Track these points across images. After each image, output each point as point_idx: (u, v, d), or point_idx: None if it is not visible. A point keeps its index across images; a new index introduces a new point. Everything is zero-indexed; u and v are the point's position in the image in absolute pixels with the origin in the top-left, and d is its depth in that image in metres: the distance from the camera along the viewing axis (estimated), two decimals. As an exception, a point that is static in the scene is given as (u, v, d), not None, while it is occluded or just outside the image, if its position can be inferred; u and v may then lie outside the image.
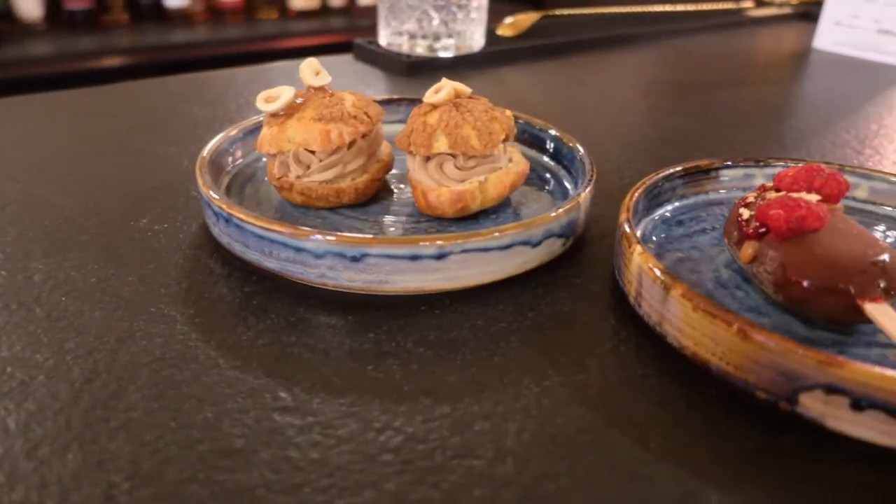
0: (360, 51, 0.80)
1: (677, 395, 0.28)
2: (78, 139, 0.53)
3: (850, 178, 0.43)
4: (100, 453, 0.24)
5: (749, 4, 1.19)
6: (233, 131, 0.45)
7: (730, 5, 1.16)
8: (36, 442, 0.25)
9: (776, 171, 0.43)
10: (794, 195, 0.33)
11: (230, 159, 0.44)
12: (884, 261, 0.30)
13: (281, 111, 0.39)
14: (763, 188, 0.36)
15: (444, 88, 0.39)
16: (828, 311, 0.30)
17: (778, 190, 0.35)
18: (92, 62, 1.78)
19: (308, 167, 0.39)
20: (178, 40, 1.93)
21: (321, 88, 0.40)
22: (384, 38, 0.78)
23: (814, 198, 0.33)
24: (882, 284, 0.29)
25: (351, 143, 0.39)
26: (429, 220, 0.40)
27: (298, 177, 0.39)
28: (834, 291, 0.29)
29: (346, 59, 0.80)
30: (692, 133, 0.62)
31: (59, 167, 0.47)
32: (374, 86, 0.71)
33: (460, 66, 0.77)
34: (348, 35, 2.15)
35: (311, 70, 0.40)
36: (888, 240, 0.40)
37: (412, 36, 0.75)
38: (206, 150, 0.41)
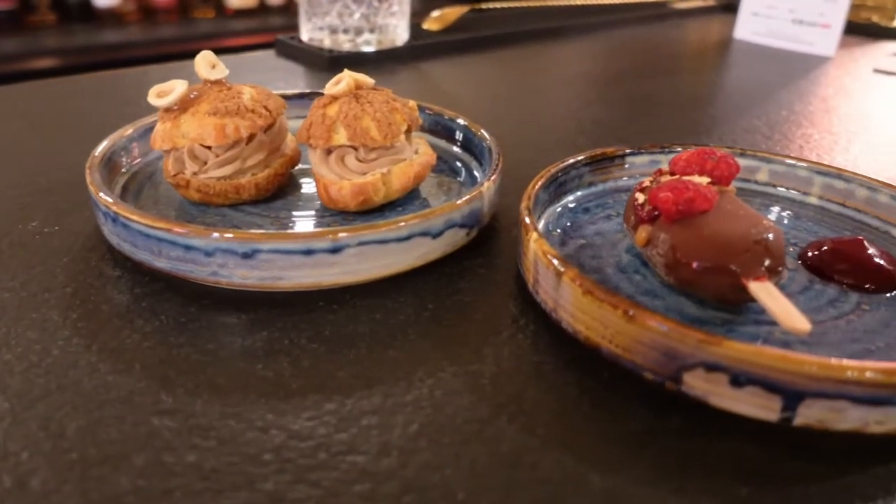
0: (281, 46, 0.79)
1: (570, 380, 0.28)
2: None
3: (750, 162, 0.44)
4: (-42, 468, 0.23)
5: (674, -3, 1.21)
6: (128, 130, 0.43)
7: (655, -2, 1.19)
8: None
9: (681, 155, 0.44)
10: (686, 178, 0.33)
11: (127, 159, 0.42)
12: (767, 239, 0.30)
13: (175, 106, 0.38)
14: (659, 172, 0.36)
15: (344, 79, 0.38)
16: (715, 290, 0.30)
17: (672, 174, 0.35)
18: (18, 65, 1.71)
19: (205, 163, 0.38)
20: (109, 41, 1.87)
21: (218, 82, 0.39)
22: (306, 34, 0.77)
23: (704, 180, 0.33)
24: (767, 263, 0.30)
25: (250, 138, 0.38)
26: (333, 214, 0.39)
27: (195, 173, 0.38)
28: (720, 271, 0.30)
29: (268, 55, 0.79)
30: (610, 122, 0.62)
31: (-54, 171, 0.45)
32: (295, 81, 0.70)
33: (384, 61, 0.76)
34: (286, 33, 2.13)
35: (207, 63, 0.39)
36: (784, 219, 0.41)
37: (334, 31, 0.74)
38: (99, 150, 0.39)
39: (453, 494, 0.23)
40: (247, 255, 0.31)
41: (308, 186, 0.42)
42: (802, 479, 0.24)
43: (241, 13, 2.16)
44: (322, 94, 0.51)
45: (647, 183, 0.35)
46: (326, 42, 0.75)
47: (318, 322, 0.31)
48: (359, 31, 0.74)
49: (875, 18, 1.08)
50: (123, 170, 0.42)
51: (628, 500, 0.23)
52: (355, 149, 0.37)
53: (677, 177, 0.34)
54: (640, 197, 0.34)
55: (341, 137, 0.37)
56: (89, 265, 0.35)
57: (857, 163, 0.54)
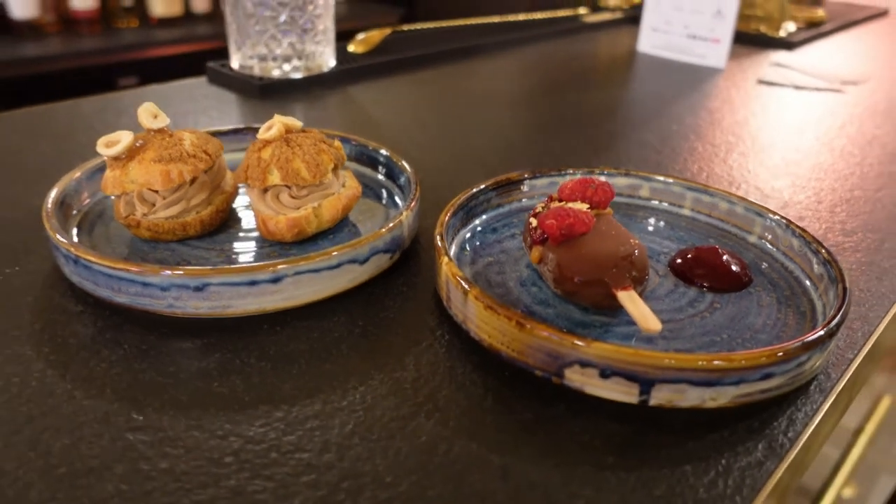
0: (213, 74, 0.82)
1: (476, 381, 0.35)
2: (-82, 185, 0.53)
3: (634, 181, 0.51)
4: (-38, 487, 0.27)
5: (584, 11, 1.29)
6: (76, 173, 0.47)
7: (568, 12, 1.27)
8: None
9: (574, 178, 0.50)
10: (569, 205, 0.40)
11: (78, 199, 0.46)
12: (633, 255, 0.37)
13: (122, 154, 0.42)
14: (549, 199, 0.43)
15: (275, 126, 0.43)
16: (593, 299, 0.37)
17: (560, 200, 0.42)
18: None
19: (153, 205, 0.42)
20: (28, 54, 1.82)
21: (160, 130, 0.43)
22: (236, 61, 0.80)
23: (584, 206, 0.40)
24: (633, 274, 0.37)
25: (193, 180, 0.43)
26: (271, 245, 0.44)
27: (144, 214, 0.42)
28: (595, 283, 0.36)
29: (199, 83, 0.82)
30: (519, 143, 0.69)
31: None
32: (228, 110, 0.74)
33: (312, 86, 0.81)
34: (213, 43, 2.13)
35: (149, 114, 0.43)
36: (661, 229, 0.48)
37: (263, 59, 0.79)
38: (52, 195, 0.43)
39: (382, 479, 0.29)
40: (198, 289, 0.36)
41: (246, 219, 0.47)
42: (656, 447, 0.31)
43: (166, 22, 2.14)
44: (254, 129, 0.56)
45: (539, 209, 0.42)
46: (256, 70, 0.79)
47: (263, 343, 0.37)
48: (287, 59, 0.79)
49: (763, 29, 1.18)
50: (74, 211, 0.46)
51: (520, 473, 0.29)
52: (288, 187, 0.43)
53: (563, 203, 0.41)
54: (533, 221, 0.41)
55: (275, 178, 0.42)
56: (52, 302, 0.39)
57: (732, 172, 0.63)
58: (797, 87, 0.92)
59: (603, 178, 0.47)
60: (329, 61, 0.83)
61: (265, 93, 0.77)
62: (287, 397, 0.33)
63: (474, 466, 0.30)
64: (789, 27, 1.21)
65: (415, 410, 0.32)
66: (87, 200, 0.47)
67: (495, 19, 1.12)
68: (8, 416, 0.31)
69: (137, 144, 0.42)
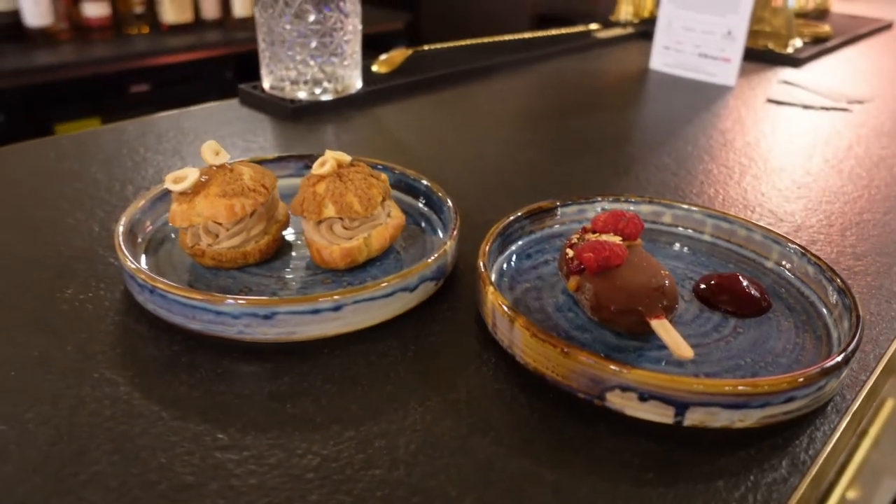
0: (245, 96, 0.86)
1: (523, 402, 0.38)
2: (-16, 211, 0.57)
3: (657, 208, 0.54)
4: (77, 502, 0.31)
5: (596, 27, 1.33)
6: (140, 202, 0.50)
7: (580, 29, 1.30)
8: (21, 499, 0.31)
9: (602, 205, 0.54)
10: (604, 237, 0.43)
11: (142, 227, 0.50)
12: (664, 286, 0.40)
13: (188, 189, 0.45)
14: (584, 230, 0.46)
15: (328, 162, 0.47)
16: (628, 326, 0.40)
17: (594, 231, 0.45)
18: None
19: (217, 236, 0.46)
20: (42, 62, 1.85)
21: (221, 166, 0.47)
22: (267, 83, 0.84)
23: (616, 238, 0.43)
24: (664, 303, 0.40)
25: (252, 212, 0.46)
26: (324, 272, 0.47)
27: (209, 245, 0.46)
28: (630, 312, 0.40)
29: (232, 105, 0.86)
30: (541, 164, 0.72)
31: (-27, 243, 0.51)
32: (262, 132, 0.77)
33: (340, 108, 0.84)
34: (224, 49, 2.16)
35: (212, 151, 0.47)
36: (684, 254, 0.52)
37: (294, 81, 0.82)
38: (121, 225, 0.47)
39: (448, 494, 0.32)
40: (267, 317, 0.40)
41: (297, 246, 0.51)
42: (690, 464, 0.35)
43: (177, 29, 2.17)
44: (296, 156, 0.59)
45: (574, 240, 0.45)
46: (287, 91, 0.83)
47: (326, 366, 0.40)
48: (317, 82, 0.82)
49: (770, 45, 1.22)
50: (139, 239, 0.49)
51: (570, 489, 0.33)
52: (341, 219, 0.46)
53: (597, 235, 0.44)
54: (570, 252, 0.44)
55: (330, 211, 0.45)
56: (127, 328, 0.43)
57: (746, 195, 0.66)
58: (805, 107, 0.95)
59: (630, 207, 0.51)
60: (356, 83, 0.87)
61: (297, 115, 0.81)
62: (354, 418, 0.36)
63: (528, 482, 0.33)
64: (796, 43, 1.24)
65: (470, 430, 0.36)
66: (150, 228, 0.51)
67: (512, 37, 1.16)
68: (107, 437, 0.34)
69: (202, 179, 0.46)
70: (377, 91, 0.89)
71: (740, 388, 0.35)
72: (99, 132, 0.75)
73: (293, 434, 0.35)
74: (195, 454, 0.34)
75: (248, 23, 2.25)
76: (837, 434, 0.37)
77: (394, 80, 0.93)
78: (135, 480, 0.32)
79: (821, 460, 0.35)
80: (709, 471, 0.34)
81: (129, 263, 0.43)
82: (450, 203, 0.51)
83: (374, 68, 0.97)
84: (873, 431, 0.97)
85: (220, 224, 0.45)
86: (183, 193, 0.45)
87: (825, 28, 1.36)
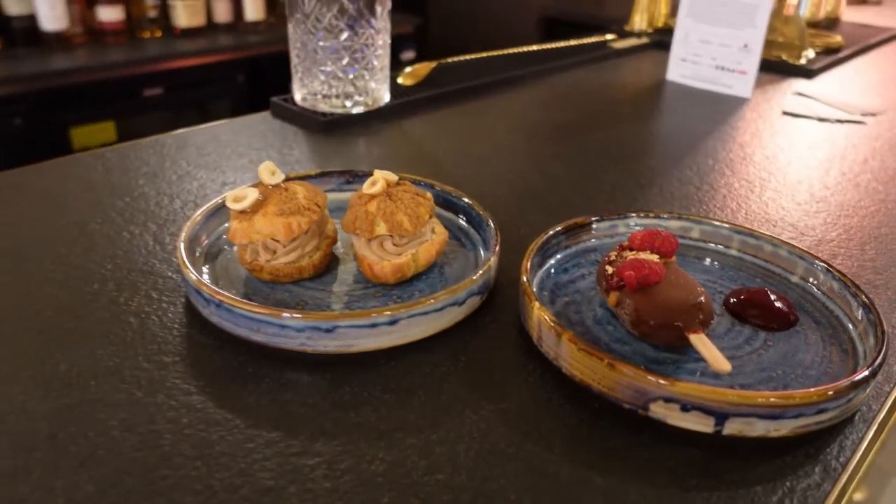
0: (276, 108, 0.88)
1: (570, 411, 0.41)
2: (36, 224, 0.59)
3: (686, 224, 0.57)
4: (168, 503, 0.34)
5: (612, 37, 1.35)
6: (197, 218, 0.53)
7: (597, 39, 1.33)
8: (116, 500, 0.34)
9: (632, 220, 0.57)
10: (642, 255, 0.46)
11: (199, 242, 0.52)
12: (701, 302, 0.43)
13: (247, 208, 0.48)
14: (621, 247, 0.49)
15: (379, 182, 0.49)
16: (667, 340, 0.43)
17: (631, 249, 0.48)
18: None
19: (274, 252, 0.48)
20: (57, 67, 1.87)
21: (277, 186, 0.50)
22: (299, 96, 0.87)
23: (654, 257, 0.46)
24: (700, 318, 0.43)
25: (307, 230, 0.49)
26: (373, 286, 0.50)
27: (267, 260, 0.48)
28: (669, 327, 0.42)
29: (264, 118, 0.88)
30: (567, 176, 0.75)
31: (35, 257, 0.54)
32: (297, 145, 0.80)
33: (370, 120, 0.87)
34: (236, 53, 2.19)
35: (269, 171, 0.49)
36: (713, 269, 0.54)
37: (326, 96, 0.85)
38: (183, 241, 0.49)
39: (508, 497, 0.35)
40: (328, 330, 0.42)
41: (345, 261, 0.53)
42: (730, 471, 0.37)
43: (189, 32, 2.19)
44: (337, 172, 0.62)
45: (613, 257, 0.48)
46: (318, 104, 0.85)
47: (384, 377, 0.43)
48: (349, 96, 0.85)
49: (784, 56, 1.24)
50: (197, 254, 0.52)
51: (620, 493, 0.35)
52: (391, 236, 0.49)
53: (635, 253, 0.47)
54: (610, 269, 0.46)
55: (381, 229, 0.48)
56: (193, 339, 0.45)
57: (768, 210, 0.69)
58: (820, 119, 0.98)
59: (661, 223, 0.53)
60: (385, 96, 0.89)
61: (329, 128, 0.83)
62: (414, 426, 0.39)
63: (581, 487, 0.36)
64: (809, 54, 1.26)
65: (523, 437, 0.39)
66: (205, 241, 0.53)
67: (531, 48, 1.18)
68: (188, 443, 0.37)
69: (259, 199, 0.48)
70: (404, 104, 0.92)
71: (772, 399, 0.37)
72: (140, 145, 0.78)
73: (359, 441, 0.38)
74: (271, 460, 0.36)
75: (260, 26, 2.28)
76: (865, 442, 0.40)
77: (419, 92, 0.96)
78: (219, 484, 0.35)
79: (851, 466, 0.38)
80: (748, 477, 0.37)
81: (194, 278, 0.45)
82: (491, 223, 0.54)
83: (400, 80, 0.99)
84: (882, 435, 1.00)
85: (278, 241, 0.48)
86: (242, 212, 0.48)
87: (836, 38, 1.38)
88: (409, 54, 2.60)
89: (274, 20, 2.38)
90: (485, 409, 0.40)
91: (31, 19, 1.93)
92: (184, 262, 0.47)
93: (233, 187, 0.67)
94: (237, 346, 0.45)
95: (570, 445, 0.38)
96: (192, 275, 0.46)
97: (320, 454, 0.37)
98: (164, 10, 2.17)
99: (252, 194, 0.48)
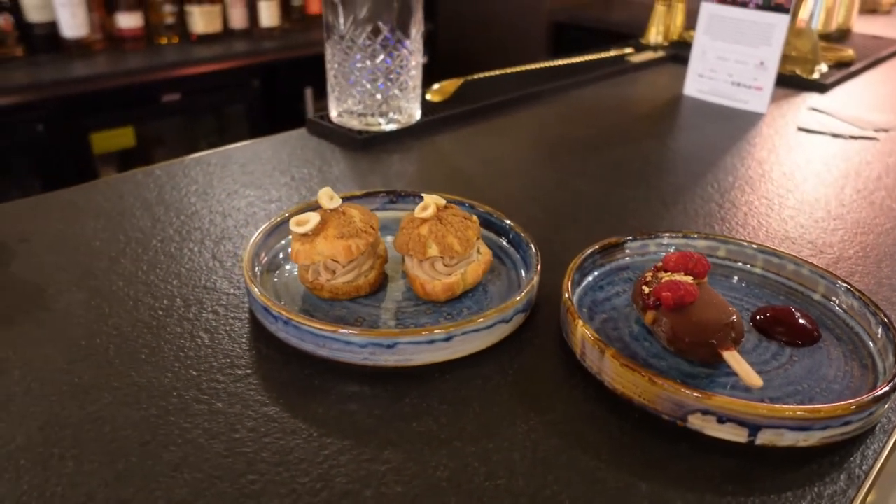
0: (312, 125, 0.92)
1: (613, 423, 0.44)
2: (100, 241, 0.63)
3: (712, 243, 0.60)
4: (259, 505, 0.37)
5: (630, 51, 1.39)
6: (258, 237, 0.57)
7: (615, 53, 1.36)
8: (211, 501, 0.37)
9: (663, 240, 0.60)
10: (677, 276, 0.50)
11: (258, 259, 0.56)
12: (733, 321, 0.47)
13: (309, 231, 0.52)
14: (656, 268, 0.52)
15: (430, 207, 0.53)
16: (701, 356, 0.47)
17: (665, 270, 0.51)
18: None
19: (334, 272, 0.52)
20: (78, 74, 1.91)
21: (335, 210, 0.53)
22: (334, 113, 0.90)
23: (688, 278, 0.50)
24: (733, 336, 0.46)
25: (364, 251, 0.53)
26: (424, 303, 0.54)
27: (328, 280, 0.52)
28: (704, 344, 0.46)
29: (300, 134, 0.92)
30: (594, 193, 0.78)
31: (104, 273, 0.58)
32: (335, 162, 0.84)
33: (403, 137, 0.91)
34: (251, 59, 2.24)
35: (328, 196, 0.53)
36: (739, 286, 0.58)
37: (361, 114, 0.89)
38: (247, 260, 0.53)
39: (563, 502, 0.38)
40: (389, 346, 0.46)
41: (395, 279, 0.57)
42: (762, 478, 0.41)
43: (206, 38, 2.24)
44: (381, 192, 0.65)
45: (649, 277, 0.51)
46: (353, 122, 0.89)
47: (440, 389, 0.46)
48: (383, 114, 0.89)
49: (798, 71, 1.27)
50: (257, 270, 0.56)
51: (663, 499, 0.39)
52: (442, 257, 0.53)
53: (670, 274, 0.50)
54: (646, 289, 0.50)
55: (433, 251, 0.52)
56: (260, 353, 0.49)
57: (787, 227, 0.72)
58: (834, 135, 1.01)
59: (690, 243, 0.57)
60: (416, 114, 0.93)
61: (365, 146, 0.87)
62: (472, 436, 0.43)
63: (628, 492, 0.39)
64: (822, 68, 1.29)
65: (571, 447, 0.42)
66: (264, 258, 0.57)
67: (552, 63, 1.22)
68: (270, 451, 0.41)
69: (320, 222, 0.52)
70: (434, 121, 0.95)
71: (800, 412, 0.41)
72: (186, 163, 0.82)
73: (423, 449, 0.41)
74: (346, 466, 0.40)
75: (275, 32, 2.33)
76: (886, 451, 0.43)
77: (447, 109, 0.99)
78: (302, 488, 0.38)
79: (873, 474, 0.41)
80: (779, 484, 0.40)
81: (263, 297, 0.49)
82: (533, 247, 0.57)
83: (428, 97, 1.03)
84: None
85: (338, 262, 0.52)
86: (305, 235, 0.52)
87: (848, 52, 1.41)
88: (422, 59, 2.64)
89: (289, 26, 2.43)
90: (534, 420, 0.44)
91: (52, 26, 1.97)
92: (251, 280, 0.51)
93: (279, 205, 0.71)
94: (302, 360, 0.48)
95: (616, 454, 0.42)
96: (260, 293, 0.49)
97: (389, 461, 0.41)
98: (182, 16, 2.22)
99: (314, 219, 0.52)
